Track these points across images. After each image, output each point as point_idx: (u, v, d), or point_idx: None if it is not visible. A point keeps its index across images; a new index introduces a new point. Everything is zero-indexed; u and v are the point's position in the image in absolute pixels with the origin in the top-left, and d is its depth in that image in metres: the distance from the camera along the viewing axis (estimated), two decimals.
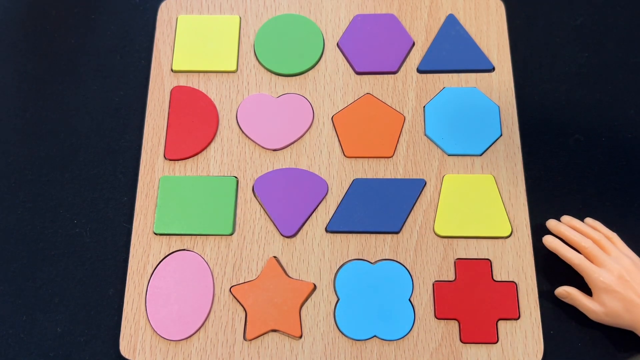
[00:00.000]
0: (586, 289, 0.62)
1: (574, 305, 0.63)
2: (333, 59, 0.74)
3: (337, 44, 0.75)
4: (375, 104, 0.72)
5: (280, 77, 0.74)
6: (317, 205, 0.67)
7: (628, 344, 0.62)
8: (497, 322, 0.62)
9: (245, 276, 0.65)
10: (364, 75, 0.73)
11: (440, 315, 0.63)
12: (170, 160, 0.70)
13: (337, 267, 0.65)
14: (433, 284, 0.64)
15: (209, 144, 0.71)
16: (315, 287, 0.64)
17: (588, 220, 0.66)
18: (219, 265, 0.65)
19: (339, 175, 0.69)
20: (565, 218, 0.66)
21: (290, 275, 0.65)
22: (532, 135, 0.71)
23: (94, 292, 0.66)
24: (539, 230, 0.66)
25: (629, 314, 0.59)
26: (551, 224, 0.65)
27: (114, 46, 0.77)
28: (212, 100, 0.73)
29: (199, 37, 0.75)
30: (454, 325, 0.63)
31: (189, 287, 0.64)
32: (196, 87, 0.73)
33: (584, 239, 0.62)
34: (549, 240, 0.63)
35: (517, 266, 0.64)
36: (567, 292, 0.62)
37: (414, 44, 0.75)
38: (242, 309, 0.64)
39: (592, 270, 0.60)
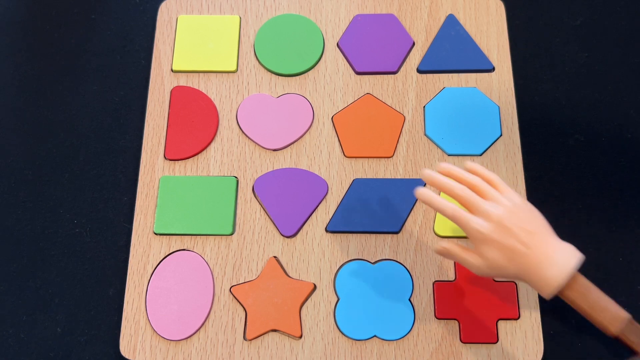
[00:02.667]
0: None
1: (456, 261, 0.56)
2: (333, 59, 0.74)
3: (337, 44, 0.75)
4: (375, 104, 0.72)
5: (280, 77, 0.74)
6: (317, 205, 0.67)
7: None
8: (497, 322, 0.62)
9: (245, 276, 0.65)
10: (364, 75, 0.73)
11: (440, 315, 0.63)
12: (170, 160, 0.70)
13: (337, 267, 0.65)
14: (433, 284, 0.64)
15: (209, 144, 0.71)
16: (315, 287, 0.64)
17: (467, 163, 0.57)
18: (219, 265, 0.65)
19: (339, 175, 0.69)
20: (441, 165, 0.56)
21: (290, 275, 0.65)
22: (532, 135, 0.71)
23: (94, 292, 0.66)
24: None
25: (512, 264, 0.51)
26: (424, 173, 0.55)
27: (114, 46, 0.77)
28: (212, 100, 0.73)
29: (199, 37, 0.75)
30: (454, 325, 0.63)
31: (189, 287, 0.64)
32: (196, 87, 0.73)
33: (458, 185, 0.54)
34: (419, 192, 0.54)
35: None
36: (444, 248, 0.55)
37: (414, 44, 0.75)
38: (242, 309, 0.64)
39: (467, 220, 0.52)
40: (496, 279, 0.56)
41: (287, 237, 0.66)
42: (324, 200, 0.68)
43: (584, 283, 0.51)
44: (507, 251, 0.51)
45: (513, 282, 0.64)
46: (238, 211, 0.68)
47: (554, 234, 0.53)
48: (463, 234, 0.65)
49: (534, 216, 0.53)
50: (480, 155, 0.69)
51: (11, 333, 0.65)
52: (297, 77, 0.74)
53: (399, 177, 0.68)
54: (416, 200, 0.67)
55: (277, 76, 0.74)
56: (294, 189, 0.68)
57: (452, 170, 0.56)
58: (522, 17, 0.77)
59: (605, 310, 0.50)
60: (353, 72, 0.74)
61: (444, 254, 0.56)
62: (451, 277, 0.64)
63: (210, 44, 0.75)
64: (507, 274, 0.53)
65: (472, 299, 0.63)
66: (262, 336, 0.63)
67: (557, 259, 0.51)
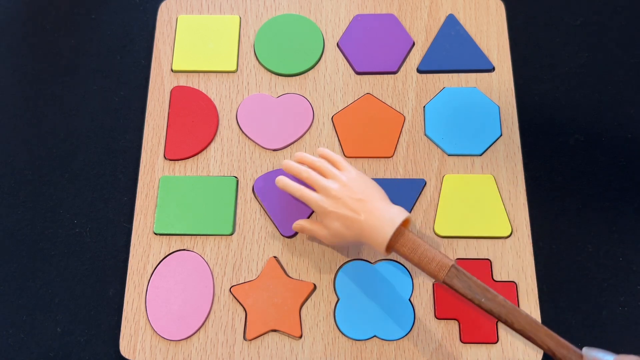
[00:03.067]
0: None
1: (311, 235, 0.64)
2: (333, 59, 0.74)
3: (337, 44, 0.75)
4: (375, 104, 0.72)
5: (280, 77, 0.74)
6: None
7: (629, 344, 0.62)
8: (497, 322, 0.62)
9: (245, 276, 0.65)
10: (364, 75, 0.73)
11: (440, 315, 0.63)
12: (170, 160, 0.70)
13: (337, 267, 0.65)
14: (433, 284, 0.64)
15: (209, 144, 0.71)
16: (315, 287, 0.64)
17: (318, 149, 0.66)
18: (219, 265, 0.65)
19: None
20: (296, 154, 0.65)
21: (290, 275, 0.65)
22: (532, 135, 0.71)
23: (94, 292, 0.66)
24: (539, 230, 0.66)
25: (349, 230, 0.58)
26: (283, 163, 0.64)
27: (114, 46, 0.77)
28: (212, 100, 0.73)
29: (199, 37, 0.75)
30: (454, 325, 0.63)
31: (189, 287, 0.64)
32: (196, 87, 0.73)
33: (303, 168, 0.62)
34: (278, 180, 0.63)
35: (517, 266, 0.64)
36: (300, 225, 0.63)
37: (414, 44, 0.75)
38: (242, 309, 0.64)
39: (309, 197, 0.61)
40: (345, 245, 0.64)
41: (287, 237, 0.66)
42: None
43: (413, 238, 0.57)
44: (344, 219, 0.58)
45: (513, 282, 0.64)
46: (238, 211, 0.68)
47: (384, 199, 0.60)
48: (463, 234, 0.65)
49: (366, 186, 0.60)
50: (480, 155, 0.69)
51: (11, 333, 0.65)
52: (297, 77, 0.74)
53: (399, 177, 0.68)
54: (416, 200, 0.67)
55: (277, 76, 0.74)
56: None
57: (303, 156, 0.64)
58: (522, 17, 0.77)
59: (432, 260, 0.56)
60: (353, 72, 0.74)
61: (299, 230, 0.64)
62: None
63: (210, 44, 0.75)
64: (349, 240, 0.60)
65: None
66: (262, 336, 0.63)
67: (383, 220, 0.57)
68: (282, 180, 0.63)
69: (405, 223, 0.59)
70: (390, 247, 0.58)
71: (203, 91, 0.73)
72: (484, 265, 0.64)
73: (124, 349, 0.63)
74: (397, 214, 0.57)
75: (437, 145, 0.70)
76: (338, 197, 0.59)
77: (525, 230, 0.66)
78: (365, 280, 0.64)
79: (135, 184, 0.69)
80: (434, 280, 0.64)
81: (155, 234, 0.67)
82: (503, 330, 0.62)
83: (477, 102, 0.71)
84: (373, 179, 0.68)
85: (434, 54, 0.74)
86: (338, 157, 0.64)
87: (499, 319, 0.53)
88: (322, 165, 0.62)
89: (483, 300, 0.54)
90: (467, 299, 0.54)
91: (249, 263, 0.65)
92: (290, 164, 0.63)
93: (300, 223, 0.63)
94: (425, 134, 0.70)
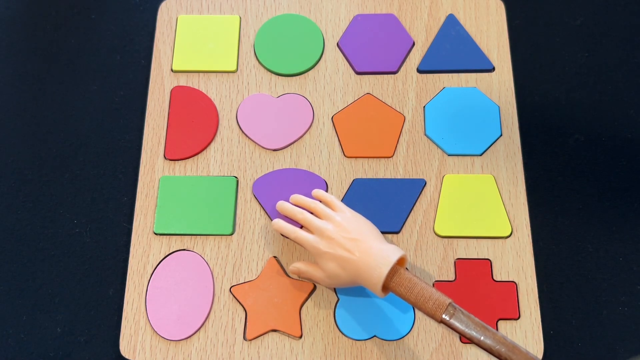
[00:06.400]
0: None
1: (308, 278, 0.63)
2: (333, 59, 0.74)
3: (337, 44, 0.75)
4: (375, 104, 0.72)
5: (280, 77, 0.74)
6: None
7: (629, 344, 0.62)
8: (497, 322, 0.62)
9: (245, 276, 0.65)
10: (364, 75, 0.73)
11: None
12: (170, 160, 0.70)
13: None
14: (433, 284, 0.64)
15: (209, 144, 0.71)
16: (315, 287, 0.64)
17: (313, 191, 0.65)
18: (219, 265, 0.65)
19: (339, 175, 0.69)
20: (292, 197, 0.65)
21: (290, 275, 0.65)
22: (532, 135, 0.71)
23: (94, 292, 0.66)
24: (539, 230, 0.66)
25: (344, 271, 0.58)
26: (278, 205, 0.65)
27: (114, 46, 0.77)
28: (212, 100, 0.73)
29: (199, 37, 0.75)
30: None
31: (189, 287, 0.64)
32: (196, 87, 0.73)
33: (298, 210, 0.63)
34: (274, 223, 0.63)
35: (517, 266, 0.64)
36: (296, 268, 0.62)
37: (414, 44, 0.75)
38: (242, 309, 0.64)
39: (305, 239, 0.60)
40: (342, 287, 0.62)
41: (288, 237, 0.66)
42: None
43: (409, 277, 0.56)
44: (339, 259, 0.58)
45: (513, 282, 0.64)
46: (238, 211, 0.68)
47: (379, 239, 0.59)
48: (463, 234, 0.66)
49: (360, 226, 0.60)
50: (480, 155, 0.69)
51: (11, 333, 0.65)
52: (297, 77, 0.74)
53: (399, 177, 0.68)
54: (416, 200, 0.67)
55: (277, 76, 0.74)
56: (294, 189, 0.68)
57: (298, 198, 0.65)
58: (522, 17, 0.77)
59: (429, 299, 0.54)
60: (353, 72, 0.74)
61: (296, 272, 0.63)
62: (451, 277, 0.64)
63: (210, 44, 0.75)
64: (344, 281, 0.59)
65: (472, 299, 0.63)
66: (262, 336, 0.63)
67: (377, 259, 0.56)
68: (278, 223, 0.63)
69: (400, 262, 0.58)
70: (385, 287, 0.57)
71: (203, 91, 0.73)
72: (484, 265, 0.64)
73: (124, 349, 0.63)
74: (392, 253, 0.56)
75: (437, 145, 0.70)
76: (332, 238, 0.58)
77: (525, 230, 0.66)
78: None
79: (135, 184, 0.69)
80: (434, 280, 0.64)
81: (155, 234, 0.67)
82: (503, 330, 0.62)
83: (477, 102, 0.71)
84: (373, 179, 0.68)
85: (434, 54, 0.74)
86: (332, 198, 0.63)
87: (499, 357, 0.51)
88: (317, 207, 0.62)
89: (482, 338, 0.52)
90: (466, 337, 0.53)
91: (249, 263, 0.65)
92: (285, 205, 0.64)
93: (297, 265, 0.63)
94: (425, 134, 0.70)
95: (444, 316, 0.53)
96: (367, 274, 0.56)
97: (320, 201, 0.64)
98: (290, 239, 0.63)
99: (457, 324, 0.53)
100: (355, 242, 0.58)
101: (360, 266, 0.57)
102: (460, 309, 0.54)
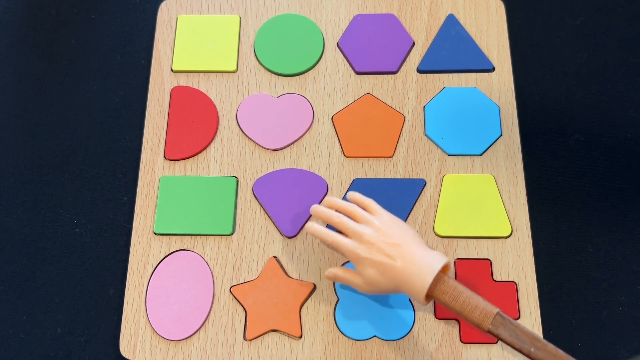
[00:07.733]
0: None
1: (345, 284, 0.60)
2: (333, 59, 0.74)
3: (337, 44, 0.75)
4: (375, 104, 0.72)
5: (280, 77, 0.74)
6: None
7: (629, 344, 0.62)
8: None
9: (245, 276, 0.65)
10: (364, 75, 0.73)
11: (440, 315, 0.63)
12: (170, 160, 0.70)
13: None
14: None
15: (209, 144, 0.71)
16: (315, 287, 0.64)
17: (348, 194, 0.62)
18: (219, 265, 0.65)
19: (339, 175, 0.69)
20: (326, 199, 0.62)
21: (290, 275, 0.65)
22: (532, 135, 0.71)
23: (94, 292, 0.66)
24: (539, 230, 0.66)
25: (385, 277, 0.55)
26: (312, 209, 0.61)
27: (114, 46, 0.77)
28: (212, 100, 0.73)
29: (199, 37, 0.75)
30: (454, 325, 0.63)
31: (189, 287, 0.64)
32: (196, 87, 0.73)
33: (335, 214, 0.59)
34: (308, 226, 0.59)
35: (517, 266, 0.64)
36: (333, 274, 0.60)
37: (414, 44, 0.75)
38: (242, 309, 0.64)
39: (342, 244, 0.57)
40: (381, 294, 0.59)
41: (287, 237, 0.66)
42: None
43: (453, 285, 0.54)
44: (379, 266, 0.55)
45: (513, 282, 0.64)
46: (238, 211, 0.68)
47: (420, 244, 0.56)
48: (463, 234, 0.65)
49: (401, 231, 0.57)
50: (480, 155, 0.69)
51: (11, 333, 0.65)
52: (297, 77, 0.74)
53: (399, 177, 0.68)
54: (416, 200, 0.67)
55: (277, 76, 0.74)
56: (294, 189, 0.68)
57: (333, 201, 0.61)
58: (522, 17, 0.77)
59: (476, 308, 0.52)
60: (353, 72, 0.74)
61: (332, 278, 0.60)
62: (451, 277, 0.64)
63: (210, 43, 0.75)
64: (384, 288, 0.56)
65: None
66: (262, 336, 0.63)
67: (421, 267, 0.54)
68: (312, 227, 0.59)
69: (444, 269, 0.55)
70: (429, 296, 0.54)
71: (203, 91, 0.73)
72: (484, 265, 0.64)
73: (124, 349, 0.63)
74: (436, 260, 0.54)
75: (437, 145, 0.70)
76: (372, 243, 0.55)
77: (525, 230, 0.66)
78: None
79: (135, 184, 0.69)
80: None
81: (155, 234, 0.67)
82: None
83: (477, 102, 0.71)
84: (373, 179, 0.68)
85: (434, 54, 0.74)
86: (370, 201, 0.60)
87: None
88: (354, 210, 0.59)
89: (532, 350, 0.50)
90: (515, 348, 0.50)
91: (249, 263, 0.65)
92: (319, 209, 0.60)
93: (333, 271, 0.60)
94: (425, 134, 0.70)
95: (491, 327, 0.51)
96: (409, 282, 0.54)
97: (357, 203, 0.61)
98: (326, 245, 0.60)
99: (506, 335, 0.51)
100: (396, 248, 0.55)
101: (402, 273, 0.54)
102: (508, 318, 0.52)
